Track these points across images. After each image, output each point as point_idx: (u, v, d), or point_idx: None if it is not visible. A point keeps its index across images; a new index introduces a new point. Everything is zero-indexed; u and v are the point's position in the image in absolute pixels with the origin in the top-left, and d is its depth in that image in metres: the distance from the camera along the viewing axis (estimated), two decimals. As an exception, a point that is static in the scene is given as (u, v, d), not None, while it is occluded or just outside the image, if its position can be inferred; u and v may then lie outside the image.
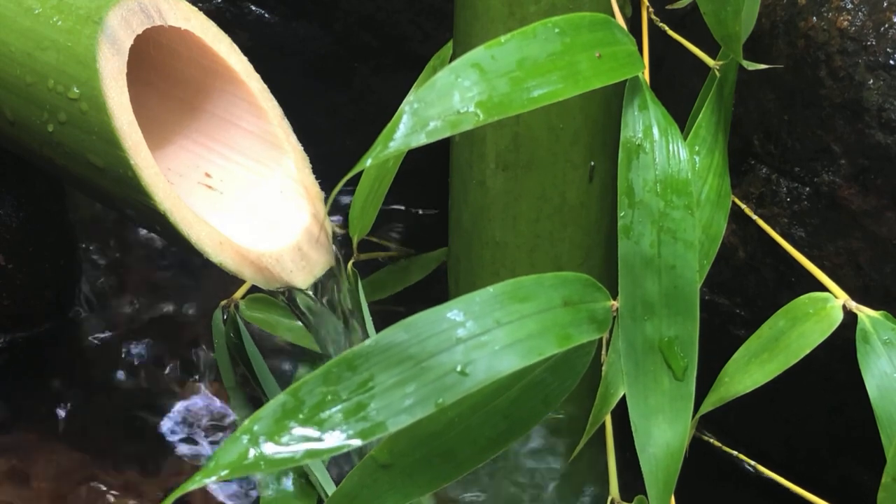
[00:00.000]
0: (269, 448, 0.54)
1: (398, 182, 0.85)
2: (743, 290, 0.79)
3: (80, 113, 0.68)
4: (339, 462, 0.81)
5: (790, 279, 0.76)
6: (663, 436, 0.65)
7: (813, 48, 0.72)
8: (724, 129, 0.75)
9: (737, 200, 0.77)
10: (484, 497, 0.82)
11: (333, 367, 0.56)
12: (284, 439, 0.54)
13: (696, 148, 0.73)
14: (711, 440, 0.81)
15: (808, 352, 0.68)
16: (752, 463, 0.78)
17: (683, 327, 0.66)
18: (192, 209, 0.69)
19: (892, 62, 0.69)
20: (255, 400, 0.86)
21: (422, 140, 0.57)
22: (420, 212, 1.04)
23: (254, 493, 0.83)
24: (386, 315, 0.86)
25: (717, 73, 0.74)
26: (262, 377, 0.85)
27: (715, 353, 0.70)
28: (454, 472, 0.65)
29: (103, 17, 0.67)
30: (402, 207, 1.03)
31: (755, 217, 0.77)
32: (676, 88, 0.80)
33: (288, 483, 0.81)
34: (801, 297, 0.71)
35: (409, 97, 0.58)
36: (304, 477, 0.80)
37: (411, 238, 1.01)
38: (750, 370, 0.70)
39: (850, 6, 0.71)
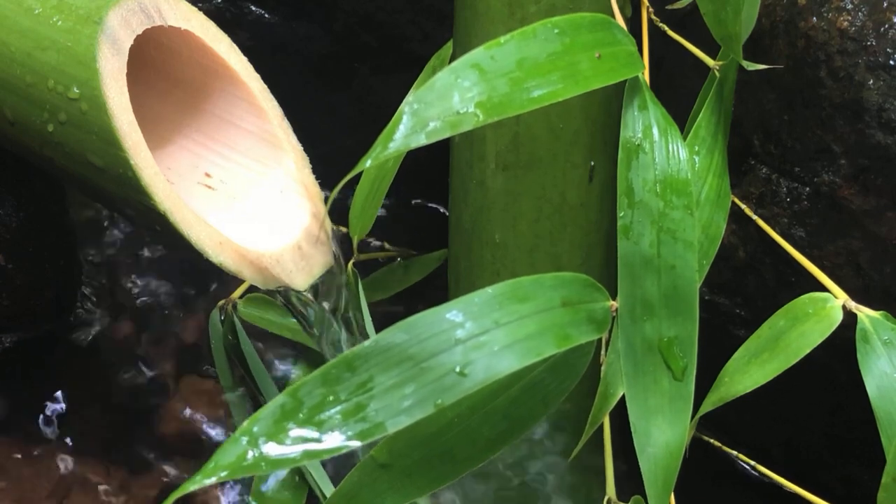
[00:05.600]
0: (268, 449, 0.54)
1: (398, 180, 0.86)
2: (743, 290, 0.79)
3: (80, 113, 0.68)
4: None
5: (790, 279, 0.76)
6: (662, 436, 0.65)
7: (813, 48, 0.72)
8: (724, 129, 0.75)
9: (737, 200, 0.77)
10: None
11: (333, 367, 0.56)
12: (284, 440, 0.54)
13: (696, 148, 0.73)
14: (711, 440, 0.81)
15: (808, 352, 0.68)
16: (752, 463, 0.78)
17: (683, 327, 0.66)
18: (192, 209, 0.69)
19: (892, 62, 0.69)
20: (252, 400, 0.86)
21: (421, 141, 0.57)
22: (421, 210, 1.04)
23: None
24: (386, 315, 0.87)
25: (717, 73, 0.74)
26: (258, 377, 0.85)
27: (715, 353, 0.70)
28: (453, 473, 0.65)
29: (103, 17, 0.67)
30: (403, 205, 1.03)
31: (755, 217, 0.77)
32: (676, 88, 0.80)
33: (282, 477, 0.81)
34: (801, 297, 0.71)
35: (409, 98, 0.58)
36: (297, 473, 0.80)
37: (410, 236, 1.01)
38: (750, 370, 0.70)
39: (850, 6, 0.71)
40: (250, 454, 0.54)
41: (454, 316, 0.58)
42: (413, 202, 1.04)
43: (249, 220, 0.75)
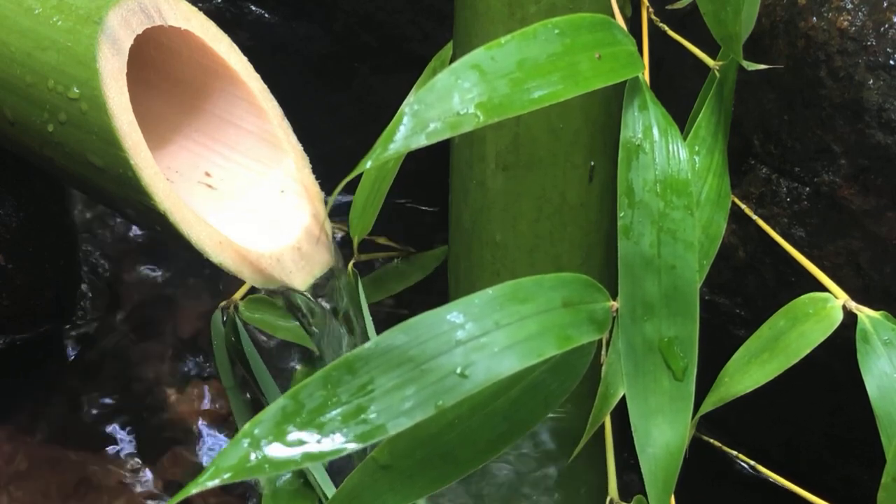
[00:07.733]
0: (270, 451, 0.54)
1: (399, 180, 0.86)
2: (743, 290, 0.79)
3: (80, 113, 0.68)
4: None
5: (790, 279, 0.76)
6: (663, 436, 0.65)
7: (813, 48, 0.72)
8: (724, 129, 0.75)
9: (737, 200, 0.77)
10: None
11: (333, 370, 0.56)
12: (285, 442, 0.55)
13: (696, 148, 0.73)
14: (711, 440, 0.81)
15: (808, 352, 0.68)
16: (752, 463, 0.78)
17: (683, 327, 0.66)
18: (192, 209, 0.69)
19: (892, 62, 0.69)
20: (254, 401, 0.86)
21: (422, 142, 0.57)
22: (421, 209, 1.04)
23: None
24: (386, 316, 0.87)
25: (717, 73, 0.74)
26: (260, 378, 0.85)
27: (715, 353, 0.70)
28: (454, 474, 0.65)
29: (103, 17, 0.67)
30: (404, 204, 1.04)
31: (755, 217, 0.77)
32: (676, 88, 0.80)
33: (289, 482, 0.81)
34: (801, 297, 0.71)
35: (409, 99, 0.58)
36: (303, 477, 0.80)
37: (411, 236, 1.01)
38: (750, 370, 0.70)
39: (850, 6, 0.71)
40: (253, 456, 0.54)
41: (454, 317, 0.58)
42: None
43: (249, 220, 0.75)
